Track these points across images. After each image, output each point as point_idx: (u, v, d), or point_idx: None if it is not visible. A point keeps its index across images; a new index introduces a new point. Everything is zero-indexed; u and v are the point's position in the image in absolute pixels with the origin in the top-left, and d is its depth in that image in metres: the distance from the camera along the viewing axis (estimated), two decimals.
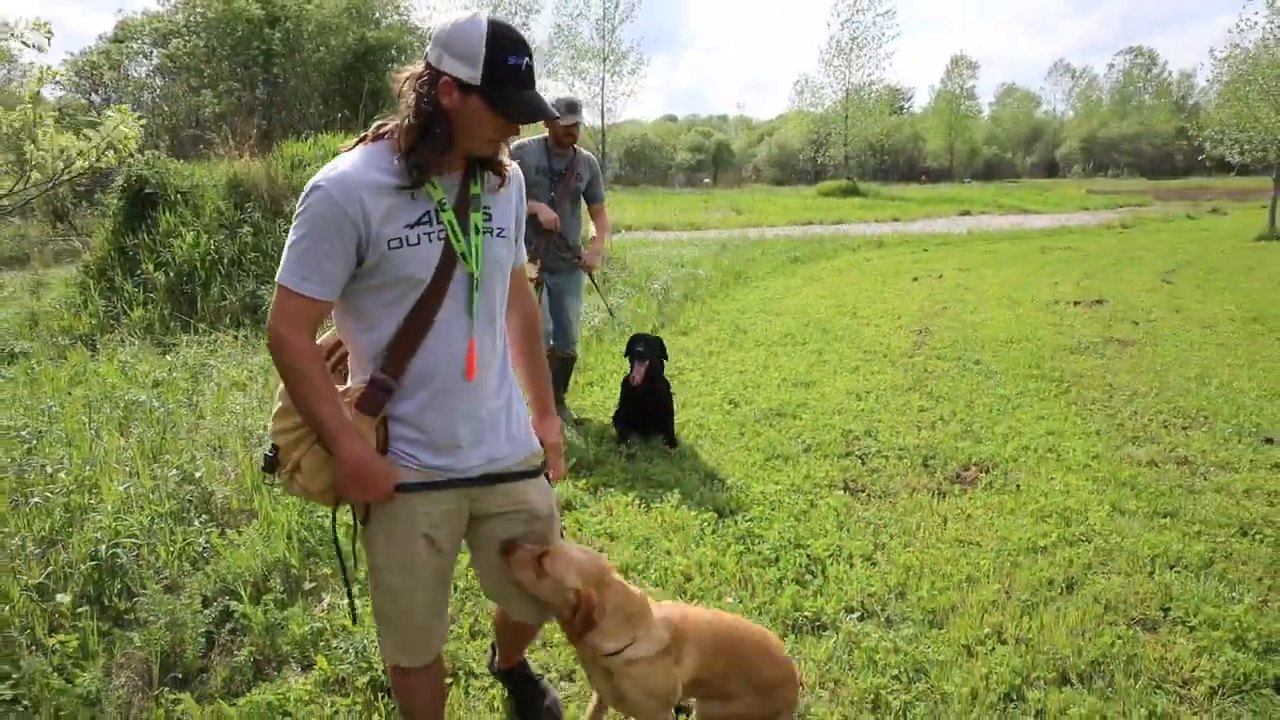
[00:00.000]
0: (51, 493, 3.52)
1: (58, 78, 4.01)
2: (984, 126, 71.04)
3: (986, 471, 4.30)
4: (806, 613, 2.94)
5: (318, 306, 1.66)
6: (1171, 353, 6.89)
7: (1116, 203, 31.59)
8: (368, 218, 1.62)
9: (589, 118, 36.77)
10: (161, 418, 4.57)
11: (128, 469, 3.86)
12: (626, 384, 4.72)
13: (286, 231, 1.70)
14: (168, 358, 6.15)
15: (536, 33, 37.19)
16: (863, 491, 4.08)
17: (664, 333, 7.73)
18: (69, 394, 5.16)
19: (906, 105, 67.04)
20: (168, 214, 7.93)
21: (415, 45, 20.92)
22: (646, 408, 4.72)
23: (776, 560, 3.31)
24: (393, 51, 20.16)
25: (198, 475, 3.73)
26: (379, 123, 1.72)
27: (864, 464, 4.42)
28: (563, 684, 2.62)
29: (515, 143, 4.55)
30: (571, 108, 4.47)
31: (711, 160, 63.75)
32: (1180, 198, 34.78)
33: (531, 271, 4.21)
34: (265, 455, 1.79)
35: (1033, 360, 6.59)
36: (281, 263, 1.66)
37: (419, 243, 1.67)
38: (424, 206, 1.68)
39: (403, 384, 1.73)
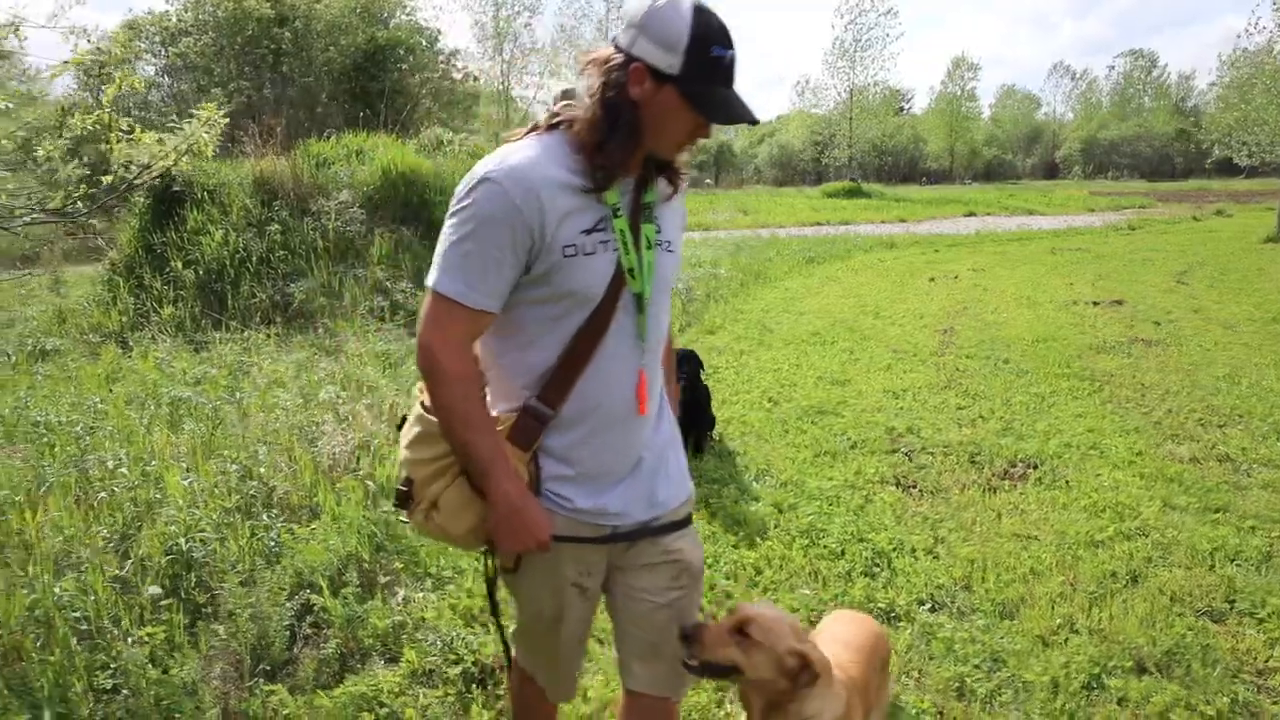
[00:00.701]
0: (116, 488, 3.55)
1: (135, 85, 3.97)
2: (984, 128, 71.16)
3: (1034, 468, 4.35)
4: (880, 604, 2.99)
5: (481, 321, 1.42)
6: (1197, 352, 6.94)
7: (1120, 204, 31.67)
8: (544, 219, 1.38)
9: None
10: (210, 414, 4.59)
11: (184, 464, 3.89)
12: None
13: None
14: (202, 355, 6.18)
15: (539, 33, 37.23)
16: (914, 487, 4.12)
17: (692, 331, 7.78)
18: (110, 391, 5.18)
19: (907, 106, 67.26)
20: (195, 212, 7.95)
21: (424, 45, 20.95)
22: (689, 415, 4.73)
23: (843, 554, 3.35)
24: (401, 51, 20.16)
25: (260, 471, 3.76)
26: (552, 110, 1.50)
27: (911, 460, 4.47)
28: None
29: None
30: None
31: (713, 161, 63.83)
32: (1180, 200, 34.90)
33: None
34: (398, 489, 1.54)
35: (1062, 359, 6.64)
36: (436, 265, 1.41)
37: (595, 252, 1.43)
38: (600, 211, 1.44)
39: (560, 414, 1.48)
